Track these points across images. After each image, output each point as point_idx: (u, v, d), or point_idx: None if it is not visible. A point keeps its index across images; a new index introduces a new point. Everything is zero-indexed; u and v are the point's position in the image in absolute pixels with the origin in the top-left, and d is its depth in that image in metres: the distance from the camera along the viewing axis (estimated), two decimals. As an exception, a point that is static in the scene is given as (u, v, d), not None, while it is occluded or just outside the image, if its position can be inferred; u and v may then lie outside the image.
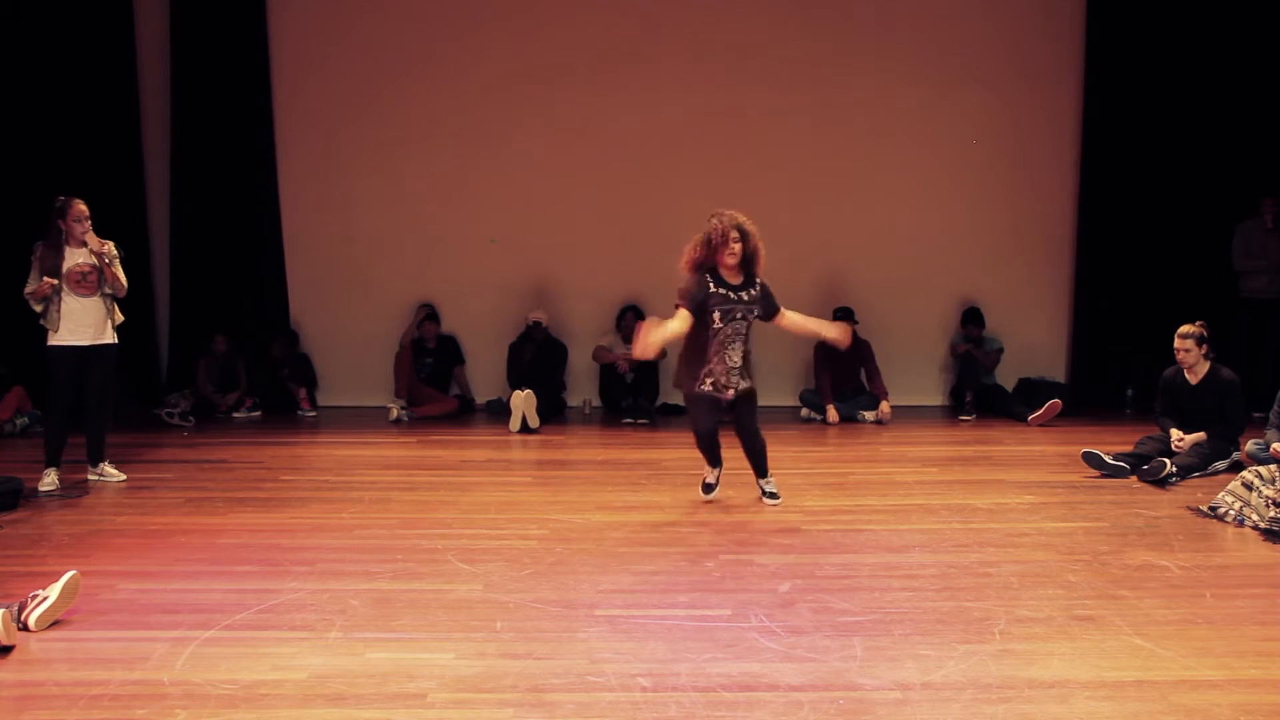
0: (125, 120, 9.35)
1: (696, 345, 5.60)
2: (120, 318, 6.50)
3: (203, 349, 9.25)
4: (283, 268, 9.57)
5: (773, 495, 5.96)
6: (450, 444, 8.01)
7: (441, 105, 9.43)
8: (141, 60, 9.40)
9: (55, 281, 6.21)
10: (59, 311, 6.24)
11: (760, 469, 6.01)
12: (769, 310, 5.71)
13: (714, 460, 6.01)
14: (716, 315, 5.51)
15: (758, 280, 5.63)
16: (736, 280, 5.57)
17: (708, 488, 6.05)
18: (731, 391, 5.63)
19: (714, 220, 5.53)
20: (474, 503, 6.06)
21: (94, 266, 6.30)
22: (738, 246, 5.49)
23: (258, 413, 9.15)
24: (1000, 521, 5.59)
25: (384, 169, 9.51)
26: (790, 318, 5.78)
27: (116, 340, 6.48)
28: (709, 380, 5.61)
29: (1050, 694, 3.48)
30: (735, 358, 5.60)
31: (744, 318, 5.58)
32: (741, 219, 5.54)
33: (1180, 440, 6.71)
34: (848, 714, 3.35)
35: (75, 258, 6.28)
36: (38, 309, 6.28)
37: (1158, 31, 9.11)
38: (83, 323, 6.29)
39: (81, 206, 6.30)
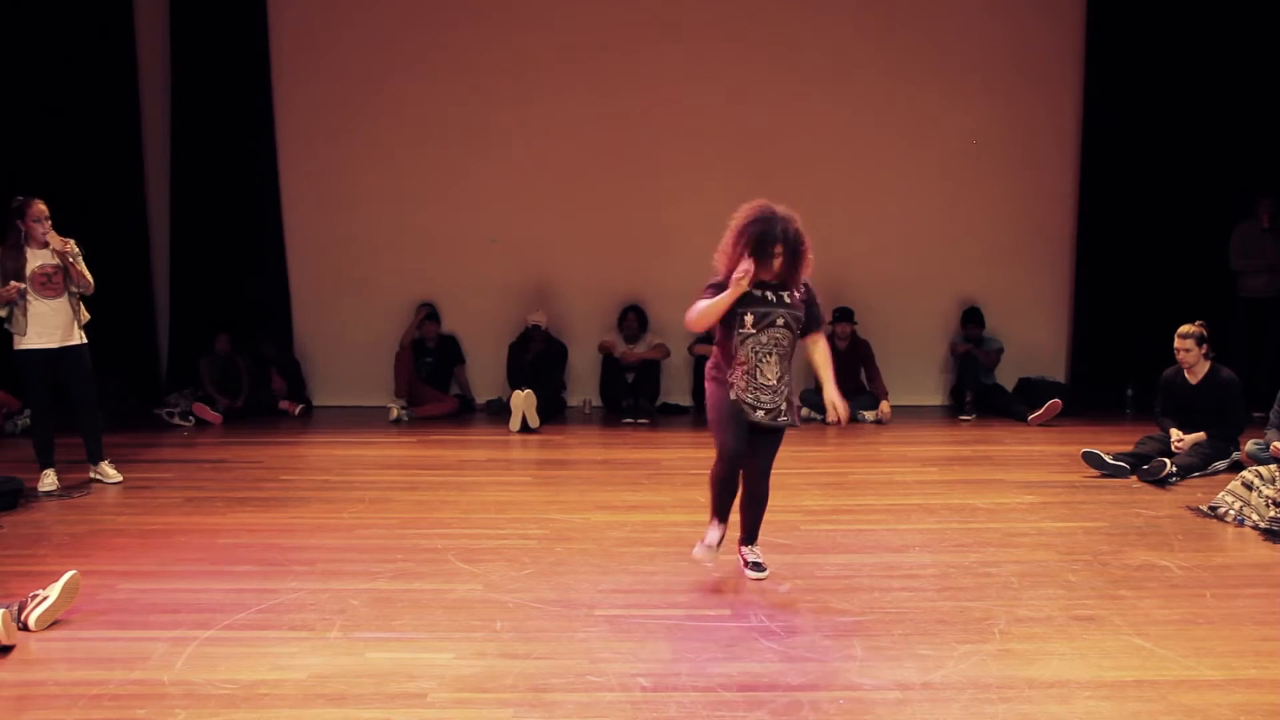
0: (125, 120, 9.34)
1: (725, 354, 4.61)
2: (86, 316, 6.36)
3: (205, 347, 9.23)
4: (284, 268, 9.55)
5: (757, 566, 4.73)
6: (450, 444, 8.01)
7: (442, 104, 9.43)
8: (141, 60, 9.40)
9: (21, 285, 6.08)
10: (25, 315, 6.11)
11: (750, 530, 4.78)
12: (808, 324, 4.67)
13: (724, 509, 4.67)
14: (749, 318, 4.49)
15: (803, 283, 4.60)
16: (775, 278, 4.52)
17: (707, 549, 4.65)
18: (761, 414, 4.53)
19: (759, 222, 4.45)
20: (474, 503, 6.06)
21: (57, 267, 6.15)
22: (778, 263, 4.47)
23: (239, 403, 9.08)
24: (1000, 521, 5.59)
25: (385, 168, 9.51)
26: (820, 350, 4.77)
27: (85, 340, 6.34)
28: (737, 392, 4.54)
29: (1050, 694, 3.48)
30: (769, 374, 4.54)
31: (786, 326, 4.53)
32: (785, 222, 4.47)
33: (1180, 440, 6.71)
34: (848, 714, 3.35)
35: (38, 259, 6.14)
36: (1, 314, 6.13)
37: (1158, 32, 9.11)
38: (50, 325, 6.17)
39: (41, 206, 6.13)
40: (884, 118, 9.44)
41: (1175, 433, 6.77)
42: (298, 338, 9.64)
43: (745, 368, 4.53)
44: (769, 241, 4.41)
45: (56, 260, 6.15)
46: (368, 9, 9.38)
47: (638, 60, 9.39)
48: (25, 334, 6.15)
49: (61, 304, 6.21)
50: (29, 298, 6.12)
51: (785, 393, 4.61)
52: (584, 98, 9.41)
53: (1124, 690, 3.51)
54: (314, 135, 9.47)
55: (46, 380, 6.25)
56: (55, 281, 6.17)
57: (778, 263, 4.45)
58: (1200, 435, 6.70)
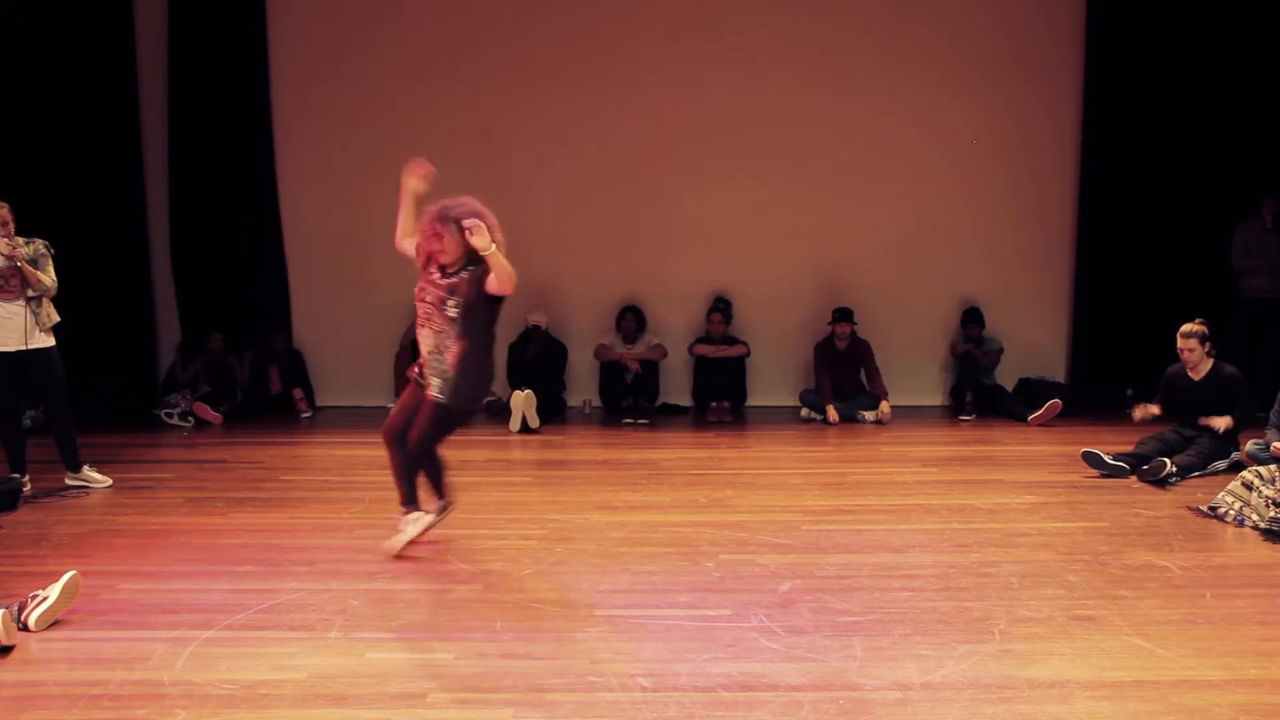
0: (125, 120, 9.33)
1: None
2: (55, 318, 6.21)
3: (199, 346, 9.23)
4: (284, 268, 9.55)
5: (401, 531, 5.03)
6: (450, 444, 7.96)
7: (441, 105, 9.42)
8: (141, 61, 9.38)
9: None
10: None
11: (404, 494, 5.06)
12: (481, 273, 4.80)
13: (404, 491, 5.03)
14: (416, 289, 4.97)
15: (467, 257, 4.86)
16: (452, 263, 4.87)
17: (402, 532, 4.95)
18: (417, 372, 5.01)
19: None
20: (474, 503, 6.05)
21: (14, 270, 6.01)
22: (447, 241, 4.84)
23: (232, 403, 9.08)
24: (1000, 521, 5.59)
25: (384, 169, 9.41)
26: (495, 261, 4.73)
27: (52, 343, 6.20)
28: (418, 366, 5.02)
29: (1050, 694, 3.48)
30: (423, 345, 4.98)
31: (431, 303, 4.89)
32: (449, 208, 4.82)
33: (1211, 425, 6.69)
34: (848, 714, 3.35)
35: None
36: None
37: (1158, 31, 9.10)
38: (8, 328, 6.03)
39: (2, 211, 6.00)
40: (884, 117, 9.43)
41: (1214, 420, 6.71)
42: (298, 338, 9.64)
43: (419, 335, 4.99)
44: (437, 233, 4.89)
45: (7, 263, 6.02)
46: (368, 11, 9.38)
47: (637, 61, 9.38)
48: None
49: (17, 308, 6.05)
50: None
51: (440, 369, 4.87)
52: (584, 98, 9.40)
53: (1124, 690, 3.51)
54: (313, 135, 9.46)
55: (14, 384, 6.14)
56: (13, 285, 6.04)
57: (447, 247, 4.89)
58: (1228, 420, 6.68)
